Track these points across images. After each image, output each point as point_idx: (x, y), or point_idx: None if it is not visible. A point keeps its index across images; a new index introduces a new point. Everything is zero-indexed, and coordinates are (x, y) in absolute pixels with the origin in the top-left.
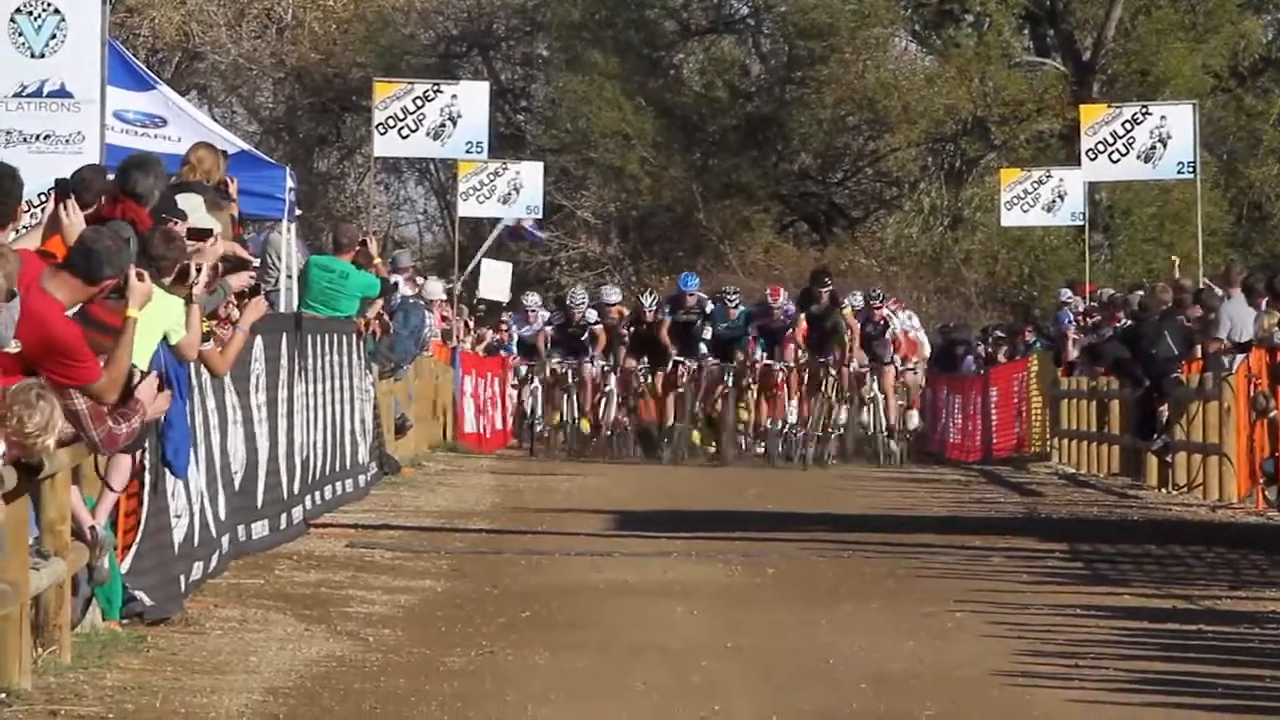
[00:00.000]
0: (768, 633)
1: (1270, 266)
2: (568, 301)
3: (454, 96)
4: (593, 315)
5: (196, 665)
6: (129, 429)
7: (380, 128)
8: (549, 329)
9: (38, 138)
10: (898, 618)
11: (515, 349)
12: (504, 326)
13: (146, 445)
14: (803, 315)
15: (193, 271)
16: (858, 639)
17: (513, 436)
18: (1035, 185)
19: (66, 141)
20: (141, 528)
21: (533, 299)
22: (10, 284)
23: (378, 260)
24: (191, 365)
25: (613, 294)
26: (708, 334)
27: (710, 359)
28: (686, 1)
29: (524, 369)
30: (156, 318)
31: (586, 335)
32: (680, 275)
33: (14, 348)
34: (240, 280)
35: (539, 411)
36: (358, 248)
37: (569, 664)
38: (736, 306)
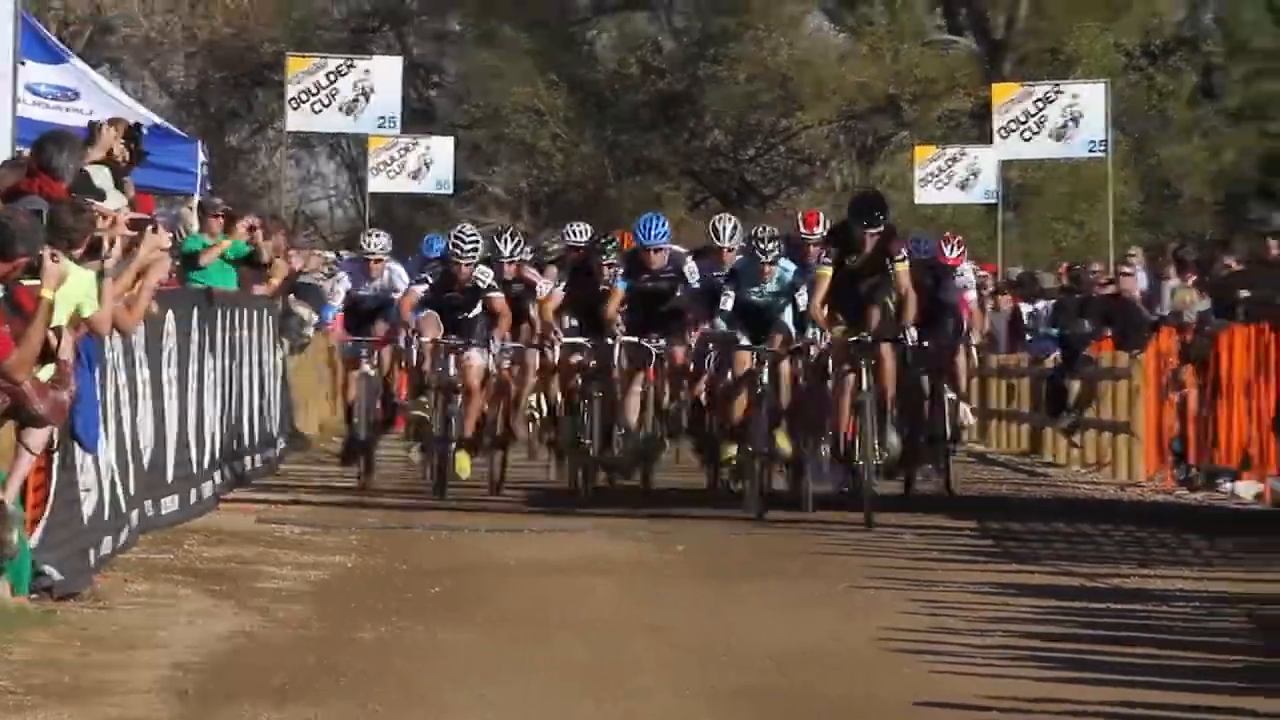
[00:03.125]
0: (678, 609)
1: (1213, 244)
2: (454, 245)
3: (367, 71)
4: (487, 274)
5: (105, 640)
6: (69, 394)
7: (293, 102)
8: (420, 289)
9: None
10: (809, 594)
11: (335, 309)
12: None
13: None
14: (826, 270)
15: (105, 245)
16: (769, 616)
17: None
18: (949, 163)
19: None
20: (50, 502)
21: (380, 241)
22: None
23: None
24: (105, 339)
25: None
26: (728, 304)
27: (739, 338)
28: None
29: (355, 347)
30: (69, 292)
31: (479, 307)
32: (642, 219)
33: None
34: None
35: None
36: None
37: (478, 641)
38: (775, 259)
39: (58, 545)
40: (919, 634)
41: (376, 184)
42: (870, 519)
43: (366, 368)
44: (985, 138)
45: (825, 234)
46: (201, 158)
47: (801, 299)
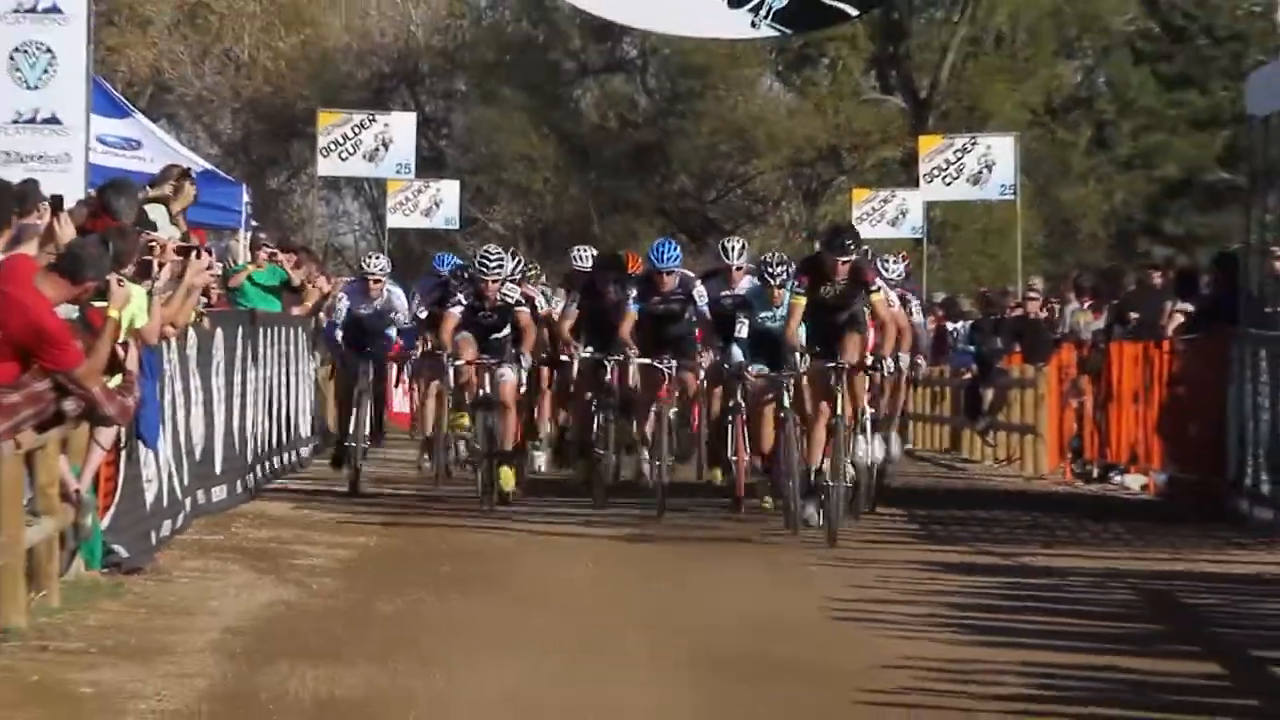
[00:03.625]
0: (654, 586)
1: (1107, 273)
2: (480, 264)
3: (386, 125)
4: (514, 291)
5: (166, 608)
6: (134, 399)
7: (323, 151)
8: (456, 311)
9: (32, 158)
10: (763, 571)
11: (332, 334)
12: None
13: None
14: (800, 299)
15: (154, 268)
16: (728, 590)
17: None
18: (881, 203)
19: (56, 162)
20: (118, 491)
21: (379, 262)
22: None
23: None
24: (162, 352)
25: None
26: (743, 329)
27: (751, 368)
28: (584, 45)
29: (354, 361)
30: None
31: (508, 326)
32: (656, 244)
33: None
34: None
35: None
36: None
37: (482, 612)
38: (784, 284)
39: (125, 528)
40: (856, 604)
41: (394, 220)
42: (833, 537)
43: (363, 383)
44: (913, 182)
45: (800, 265)
46: (245, 199)
47: None
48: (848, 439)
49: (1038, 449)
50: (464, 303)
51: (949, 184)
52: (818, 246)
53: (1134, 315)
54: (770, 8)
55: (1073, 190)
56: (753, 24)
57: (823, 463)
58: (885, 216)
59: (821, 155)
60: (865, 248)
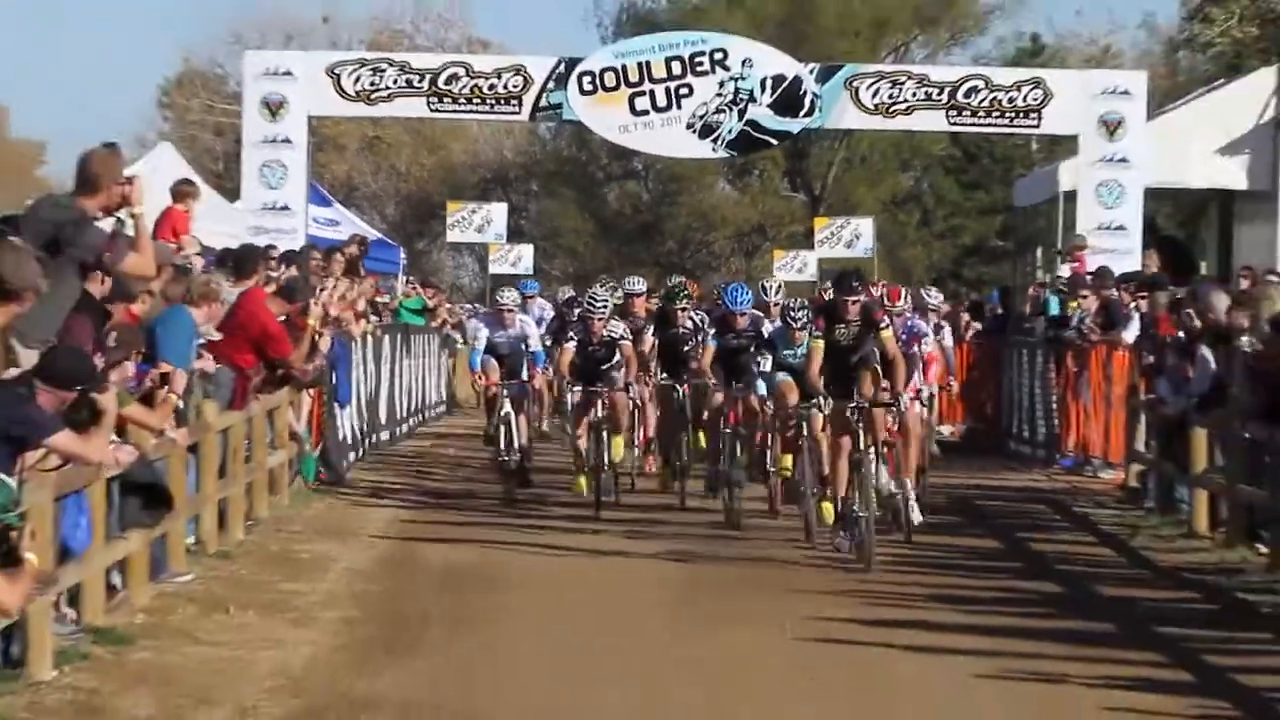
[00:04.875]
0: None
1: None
2: (588, 306)
3: (488, 210)
4: (618, 327)
5: (354, 505)
6: (315, 367)
7: (450, 226)
8: (571, 347)
9: (272, 231)
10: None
11: (479, 355)
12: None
13: (325, 387)
14: (818, 342)
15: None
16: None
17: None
18: (792, 260)
19: (286, 233)
20: (325, 432)
21: (510, 295)
22: (212, 299)
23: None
24: (353, 347)
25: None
26: (767, 364)
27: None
28: (609, 161)
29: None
30: (312, 321)
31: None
32: (729, 288)
33: (215, 335)
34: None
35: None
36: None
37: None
38: (804, 326)
39: (325, 457)
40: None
41: (494, 268)
42: (868, 561)
43: (507, 406)
44: (810, 246)
45: (816, 310)
46: (401, 256)
47: None
48: (870, 470)
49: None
50: (576, 339)
51: (833, 248)
52: (829, 293)
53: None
54: (723, 139)
55: (908, 251)
56: (713, 149)
57: (850, 493)
58: (793, 268)
59: (754, 229)
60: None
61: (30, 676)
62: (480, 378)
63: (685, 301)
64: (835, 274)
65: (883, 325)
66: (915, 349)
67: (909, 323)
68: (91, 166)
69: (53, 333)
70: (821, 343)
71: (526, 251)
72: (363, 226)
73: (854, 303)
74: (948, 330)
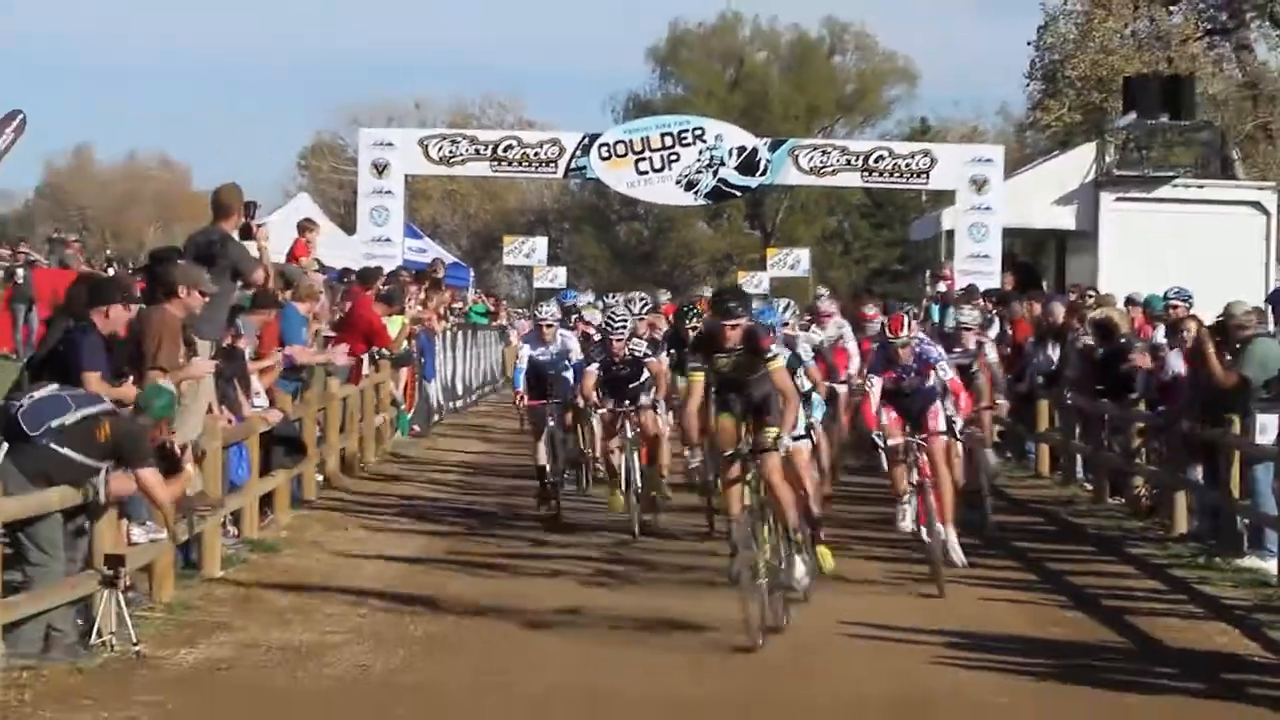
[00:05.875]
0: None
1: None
2: (605, 326)
3: (533, 242)
4: (640, 345)
5: (437, 451)
6: (407, 350)
7: (506, 253)
8: (593, 368)
9: (378, 258)
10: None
11: (519, 381)
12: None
13: (416, 366)
14: (698, 375)
15: (405, 305)
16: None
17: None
18: (751, 279)
19: (388, 258)
20: (415, 399)
21: (550, 309)
22: (313, 297)
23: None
24: (437, 339)
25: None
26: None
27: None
28: (620, 207)
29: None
30: (399, 320)
31: (645, 376)
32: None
33: (330, 332)
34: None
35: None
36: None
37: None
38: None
39: (418, 417)
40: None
41: (538, 283)
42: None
43: (551, 424)
44: (765, 268)
45: (693, 340)
46: (471, 274)
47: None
48: (763, 531)
49: None
50: (599, 362)
51: (780, 270)
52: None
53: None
54: (702, 191)
55: (835, 274)
56: (694, 198)
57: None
58: (753, 286)
59: (723, 256)
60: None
61: (204, 575)
62: (522, 397)
63: (696, 320)
64: (715, 292)
65: (768, 355)
66: (932, 379)
67: (918, 350)
68: (223, 197)
69: (221, 328)
70: (700, 375)
71: (560, 272)
72: (443, 253)
73: (732, 326)
74: (990, 346)
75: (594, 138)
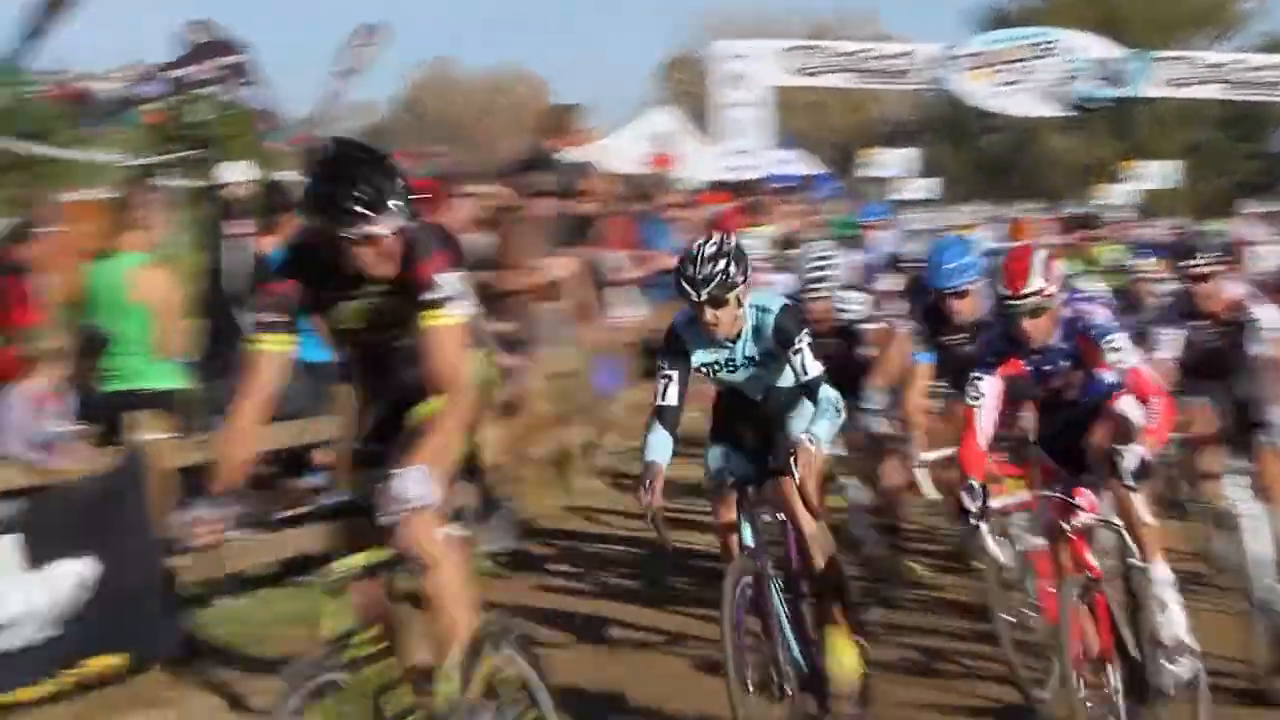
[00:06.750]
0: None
1: None
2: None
3: (899, 154)
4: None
5: None
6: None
7: (864, 167)
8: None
9: (735, 168)
10: None
11: None
12: None
13: None
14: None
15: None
16: None
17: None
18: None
19: (747, 168)
20: None
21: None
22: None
23: None
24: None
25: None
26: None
27: None
28: (977, 120)
29: None
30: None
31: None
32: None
33: None
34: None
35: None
36: None
37: None
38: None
39: None
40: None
41: (907, 196)
42: None
43: None
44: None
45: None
46: (839, 186)
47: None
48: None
49: None
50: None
51: (1141, 182)
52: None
53: None
54: (1064, 102)
55: (1197, 185)
56: (1057, 109)
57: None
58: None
59: (1084, 169)
60: None
61: None
62: None
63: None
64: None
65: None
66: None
67: (1072, 316)
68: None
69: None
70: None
71: (933, 183)
72: (810, 167)
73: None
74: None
75: (952, 49)
